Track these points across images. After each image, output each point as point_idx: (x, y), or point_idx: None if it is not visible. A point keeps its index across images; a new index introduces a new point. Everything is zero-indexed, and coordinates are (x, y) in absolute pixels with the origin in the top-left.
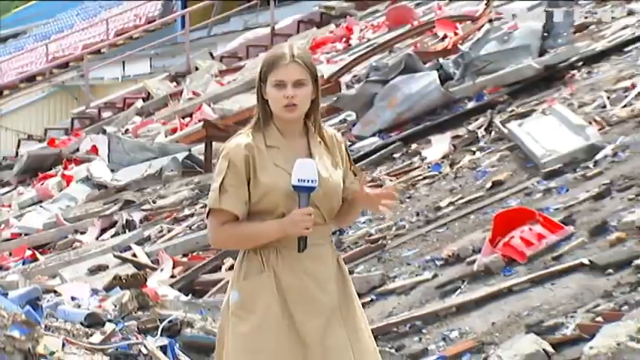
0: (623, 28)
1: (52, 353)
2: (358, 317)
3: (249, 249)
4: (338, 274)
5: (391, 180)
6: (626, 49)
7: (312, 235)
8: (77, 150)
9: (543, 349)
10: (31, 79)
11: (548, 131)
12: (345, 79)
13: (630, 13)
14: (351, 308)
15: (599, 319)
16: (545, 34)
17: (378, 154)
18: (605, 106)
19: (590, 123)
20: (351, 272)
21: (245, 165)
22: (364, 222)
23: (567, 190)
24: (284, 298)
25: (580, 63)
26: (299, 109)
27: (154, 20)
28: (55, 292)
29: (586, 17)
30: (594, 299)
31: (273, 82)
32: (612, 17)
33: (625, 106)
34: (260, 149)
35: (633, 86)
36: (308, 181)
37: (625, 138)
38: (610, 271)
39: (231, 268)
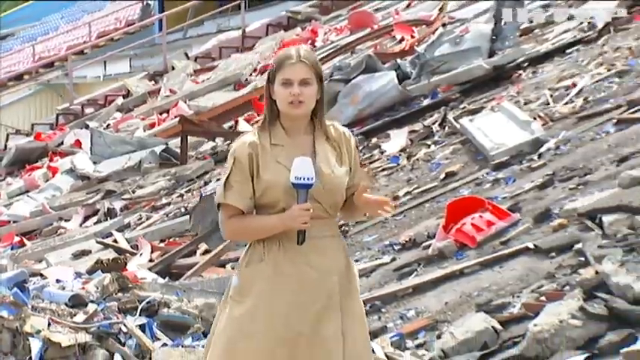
0: (565, 31)
1: (38, 332)
2: (357, 315)
3: (255, 240)
4: (344, 268)
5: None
6: (567, 51)
7: (315, 228)
8: (62, 143)
9: (492, 327)
10: (19, 78)
11: (497, 126)
12: None
13: (571, 17)
14: (352, 305)
15: (543, 298)
16: (494, 37)
17: None
18: (548, 104)
19: (535, 119)
20: None
21: (249, 162)
22: None
23: (514, 181)
24: (283, 287)
25: (526, 64)
26: (305, 105)
27: (133, 23)
28: (41, 275)
29: (531, 22)
30: (538, 280)
31: (281, 80)
32: (554, 21)
33: (566, 103)
34: (265, 147)
35: (574, 85)
36: (305, 178)
37: (566, 132)
38: (553, 254)
39: (205, 252)
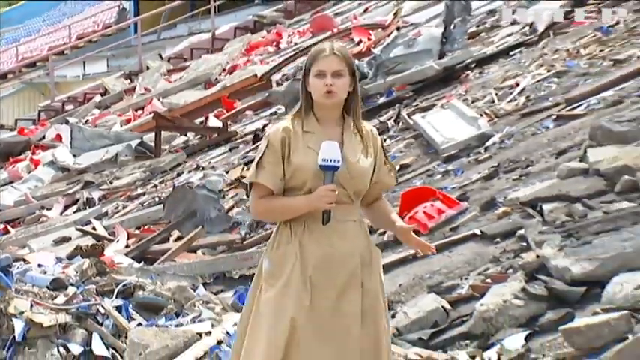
0: (509, 35)
1: (21, 313)
2: (378, 296)
3: (282, 222)
4: (365, 251)
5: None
6: (511, 53)
7: (338, 212)
8: (44, 138)
9: (442, 306)
10: (3, 77)
11: (447, 122)
12: (276, 77)
13: (514, 22)
14: (373, 286)
15: (489, 280)
16: (444, 40)
17: None
18: (494, 101)
19: (482, 115)
20: None
21: (281, 146)
22: None
23: (462, 172)
24: (307, 266)
25: (473, 65)
26: (337, 95)
27: (111, 26)
28: (24, 260)
29: (478, 25)
30: (484, 264)
31: (315, 72)
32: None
33: (510, 101)
34: (297, 133)
35: (517, 84)
36: (332, 160)
37: (510, 128)
38: (497, 240)
39: (177, 239)
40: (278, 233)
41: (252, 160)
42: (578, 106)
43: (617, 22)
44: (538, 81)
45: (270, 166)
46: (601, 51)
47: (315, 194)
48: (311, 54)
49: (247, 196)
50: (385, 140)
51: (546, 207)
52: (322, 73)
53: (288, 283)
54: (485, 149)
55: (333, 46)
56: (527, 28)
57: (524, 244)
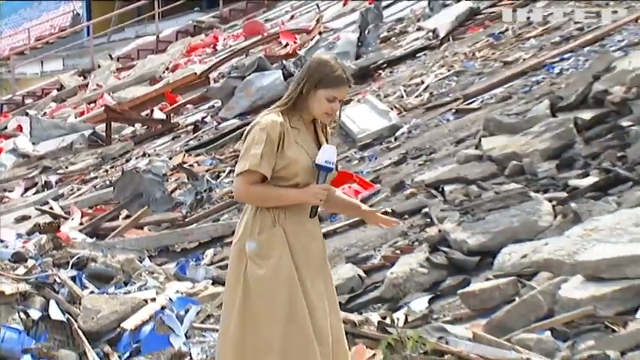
0: (415, 39)
1: None
2: (331, 278)
3: (263, 209)
4: (322, 239)
5: None
6: (417, 55)
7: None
8: (5, 128)
9: (358, 275)
10: None
11: (362, 115)
12: (213, 75)
13: (419, 28)
14: (328, 269)
15: (398, 252)
16: (359, 43)
17: (238, 131)
18: (402, 97)
19: (392, 109)
20: (217, 220)
21: (278, 139)
22: (228, 181)
23: (376, 158)
24: (293, 249)
25: (384, 65)
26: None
27: (66, 29)
28: None
29: (389, 31)
30: (394, 237)
31: (330, 96)
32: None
33: (416, 96)
34: (287, 128)
35: (422, 82)
36: (331, 163)
37: (416, 120)
38: (406, 216)
39: (126, 217)
40: (259, 219)
41: (194, 147)
42: (473, 101)
43: (507, 30)
44: (440, 79)
45: (267, 156)
46: (493, 54)
47: (309, 190)
48: (331, 76)
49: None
50: None
51: (447, 188)
52: (334, 100)
53: (279, 265)
54: (395, 138)
55: (349, 76)
56: (430, 33)
57: (429, 220)
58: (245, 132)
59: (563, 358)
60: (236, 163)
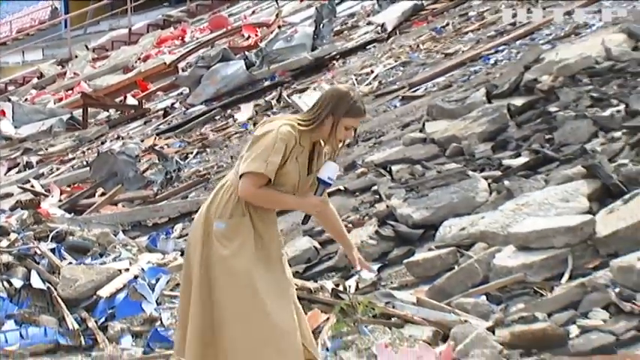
0: (365, 33)
1: None
2: (284, 270)
3: (237, 197)
4: (279, 241)
5: (214, 134)
6: (367, 47)
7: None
8: None
9: (314, 246)
10: None
11: None
12: (181, 64)
13: (369, 23)
14: (283, 265)
15: (350, 225)
16: (315, 36)
17: (205, 116)
18: (354, 85)
19: None
20: (185, 197)
21: (288, 151)
22: (196, 162)
23: None
24: (260, 236)
25: (338, 56)
26: None
27: (45, 22)
28: None
29: (342, 25)
30: (347, 212)
31: (348, 125)
32: (357, 25)
33: (367, 85)
34: (297, 144)
35: (372, 72)
36: (332, 180)
37: (367, 106)
38: (357, 193)
39: (101, 195)
40: (232, 204)
41: (164, 131)
42: (418, 89)
43: (447, 24)
44: (388, 69)
45: (274, 162)
46: (435, 46)
47: (308, 201)
48: (348, 105)
49: (240, 177)
50: (269, 116)
51: (394, 167)
52: (350, 128)
53: (242, 249)
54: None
55: (364, 107)
56: (379, 28)
57: (377, 196)
58: (261, 132)
59: (497, 319)
60: (203, 145)
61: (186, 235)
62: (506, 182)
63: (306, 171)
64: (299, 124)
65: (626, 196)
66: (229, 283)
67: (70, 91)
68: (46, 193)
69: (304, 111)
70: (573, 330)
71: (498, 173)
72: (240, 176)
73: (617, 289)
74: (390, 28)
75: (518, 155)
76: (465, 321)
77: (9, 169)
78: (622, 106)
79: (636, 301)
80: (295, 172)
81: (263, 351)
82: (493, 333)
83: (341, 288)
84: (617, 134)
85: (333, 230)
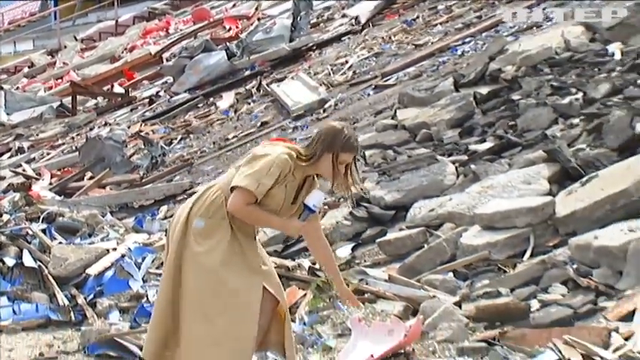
0: (340, 25)
1: None
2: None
3: (221, 200)
4: (257, 253)
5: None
6: (342, 39)
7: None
8: None
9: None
10: None
11: (295, 90)
12: (166, 55)
13: (344, 16)
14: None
15: (326, 207)
16: (293, 28)
17: (188, 104)
18: (329, 74)
19: (321, 85)
20: (170, 180)
21: (279, 177)
22: (180, 147)
23: (307, 127)
24: (237, 241)
25: (314, 47)
26: None
27: (35, 14)
28: None
29: (318, 18)
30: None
31: (342, 160)
32: (333, 18)
33: (342, 74)
34: (289, 172)
35: (347, 62)
36: (316, 207)
37: (342, 94)
38: None
39: (90, 178)
40: (214, 207)
41: (149, 118)
42: (390, 79)
43: (417, 17)
44: (361, 59)
45: (265, 184)
46: (406, 38)
47: (291, 223)
48: (342, 141)
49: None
50: (250, 103)
51: (368, 152)
52: (343, 163)
53: (217, 247)
54: (324, 110)
55: (358, 143)
56: (353, 20)
57: (351, 180)
58: (259, 150)
59: (463, 294)
60: (187, 132)
61: (171, 216)
62: (472, 166)
63: (292, 199)
64: (297, 156)
65: (584, 179)
66: (196, 279)
67: (59, 80)
68: (37, 176)
69: (304, 145)
70: (534, 304)
71: (465, 158)
72: (232, 188)
73: (574, 266)
74: (363, 21)
75: (484, 141)
76: (434, 296)
77: (1, 154)
78: (580, 94)
79: (592, 276)
80: (280, 198)
81: (213, 350)
82: (460, 307)
83: (317, 266)
84: (576, 121)
85: (323, 258)
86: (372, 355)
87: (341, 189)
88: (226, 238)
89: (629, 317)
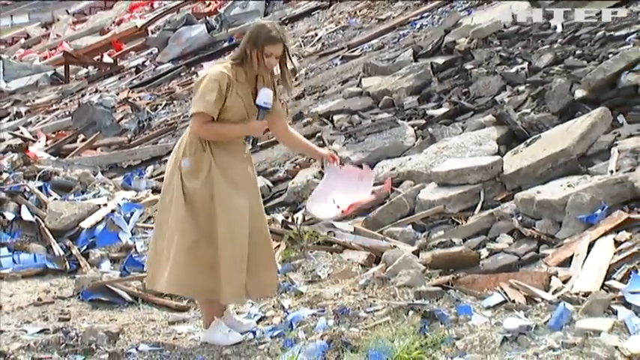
0: (310, 1)
1: None
2: (257, 193)
3: (194, 136)
4: (248, 160)
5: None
6: (312, 14)
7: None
8: None
9: (267, 185)
10: None
11: None
12: (151, 28)
13: None
14: (252, 185)
15: (298, 167)
16: (267, 3)
17: (172, 73)
18: (301, 46)
19: (293, 56)
20: (155, 142)
21: (225, 88)
22: (164, 112)
23: (281, 94)
24: (222, 167)
25: (287, 21)
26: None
27: None
28: None
29: None
30: (295, 155)
31: (267, 52)
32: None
33: (312, 46)
34: (233, 81)
35: (316, 35)
36: (267, 103)
37: (312, 64)
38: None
39: (82, 140)
40: (192, 144)
41: (136, 85)
42: (355, 50)
43: None
44: (330, 32)
45: (216, 102)
46: (370, 13)
47: (250, 126)
48: (264, 35)
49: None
50: None
51: (335, 117)
52: (270, 56)
53: (206, 180)
54: (296, 79)
55: (281, 35)
56: None
57: (321, 142)
58: (198, 79)
59: (421, 244)
60: (170, 98)
61: (156, 175)
62: (429, 129)
63: (252, 101)
64: (231, 63)
65: (528, 140)
66: (194, 211)
67: (53, 50)
68: (33, 138)
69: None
70: (483, 252)
71: (423, 122)
72: (190, 117)
73: (519, 218)
74: None
75: (440, 106)
76: (394, 246)
77: (1, 118)
78: (525, 64)
79: (535, 227)
80: (239, 105)
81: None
82: (418, 256)
83: (290, 220)
84: (522, 88)
85: (296, 142)
86: (337, 206)
87: (283, 84)
88: (211, 168)
89: (567, 263)
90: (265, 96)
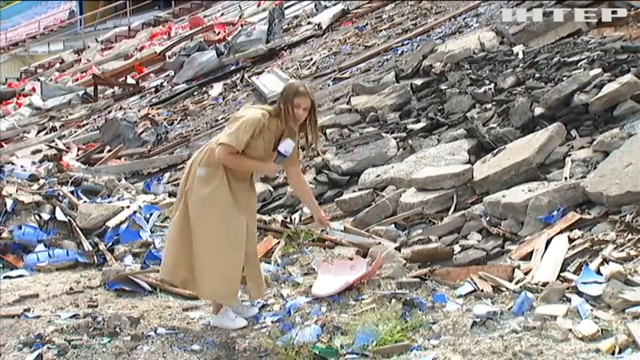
0: (306, 30)
1: (11, 195)
2: (254, 218)
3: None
4: (252, 189)
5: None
6: (307, 41)
7: (257, 175)
8: (24, 89)
9: (268, 189)
10: None
11: (271, 81)
12: (168, 53)
13: (309, 22)
14: (251, 210)
15: None
16: (269, 32)
17: (186, 92)
18: (298, 69)
19: (291, 77)
20: (171, 153)
21: (255, 131)
22: (179, 126)
23: None
24: (230, 184)
25: (286, 47)
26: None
27: (65, 21)
28: (13, 163)
29: (288, 24)
30: None
31: (296, 103)
32: (300, 24)
33: (307, 69)
34: (265, 127)
35: (311, 59)
36: (286, 152)
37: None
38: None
39: (109, 151)
40: (210, 158)
41: (155, 103)
42: (345, 72)
43: (367, 24)
44: (323, 57)
45: (242, 140)
46: (358, 40)
47: (267, 165)
48: (294, 90)
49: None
50: (235, 92)
51: (328, 130)
52: (298, 107)
53: (217, 189)
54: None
55: (307, 90)
56: (316, 26)
57: (316, 152)
58: (239, 112)
59: (402, 241)
60: (185, 114)
61: (173, 181)
62: (409, 141)
63: (272, 148)
64: (269, 112)
65: (495, 151)
66: (202, 213)
67: (84, 73)
68: (66, 149)
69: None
70: (456, 248)
71: (404, 134)
72: (219, 144)
73: (487, 218)
74: (324, 27)
75: (419, 121)
76: (379, 243)
77: (39, 132)
78: (492, 85)
79: (501, 226)
80: (261, 147)
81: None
82: (399, 251)
83: (288, 220)
84: (489, 106)
85: (301, 193)
86: (347, 281)
87: (310, 134)
88: (222, 183)
89: (528, 257)
90: (287, 145)
